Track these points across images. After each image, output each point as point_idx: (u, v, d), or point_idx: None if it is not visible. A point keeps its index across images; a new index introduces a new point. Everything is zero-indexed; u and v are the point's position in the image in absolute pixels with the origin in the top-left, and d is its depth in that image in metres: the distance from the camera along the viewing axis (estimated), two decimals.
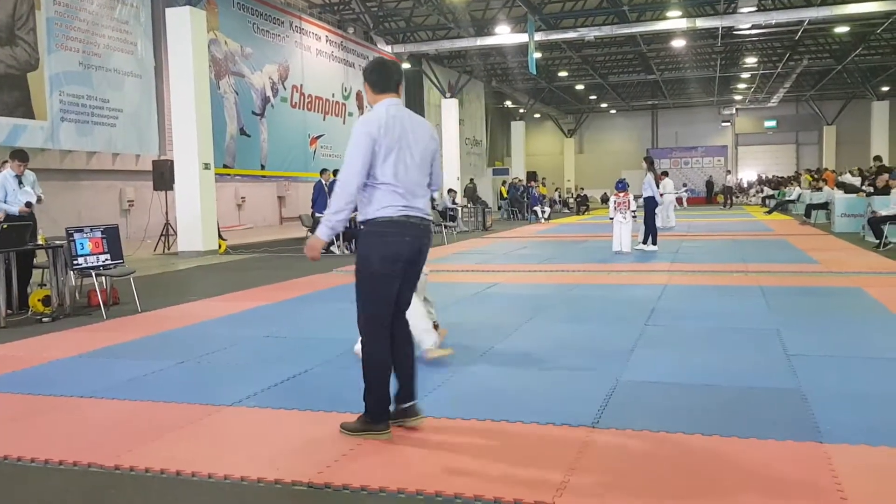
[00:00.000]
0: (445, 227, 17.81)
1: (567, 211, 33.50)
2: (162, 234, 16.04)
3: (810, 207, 20.06)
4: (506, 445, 3.50)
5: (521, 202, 27.97)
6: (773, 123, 44.04)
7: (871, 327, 6.05)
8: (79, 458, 3.43)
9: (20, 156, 8.35)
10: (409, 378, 3.74)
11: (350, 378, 4.74)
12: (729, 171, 38.04)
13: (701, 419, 3.74)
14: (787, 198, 26.25)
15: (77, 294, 8.58)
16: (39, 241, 7.93)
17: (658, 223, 14.36)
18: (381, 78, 3.74)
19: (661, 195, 18.13)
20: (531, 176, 35.73)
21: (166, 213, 16.02)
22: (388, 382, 3.66)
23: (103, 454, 3.46)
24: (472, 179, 29.41)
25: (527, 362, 5.05)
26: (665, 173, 21.26)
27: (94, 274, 7.77)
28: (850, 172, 22.60)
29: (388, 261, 3.56)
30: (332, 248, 14.55)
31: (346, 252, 14.22)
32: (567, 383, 4.51)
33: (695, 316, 6.70)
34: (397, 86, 3.76)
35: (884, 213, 12.71)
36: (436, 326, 5.27)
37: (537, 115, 44.66)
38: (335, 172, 16.41)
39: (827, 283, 8.66)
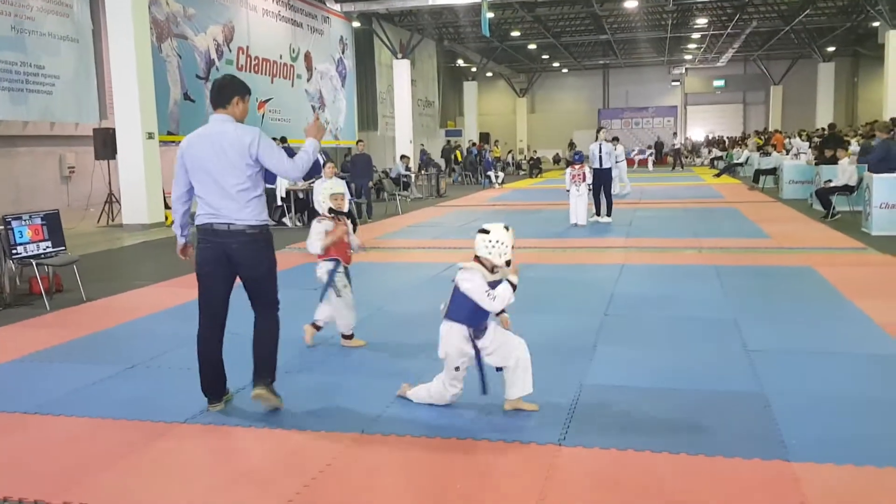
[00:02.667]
0: (399, 195, 17.58)
1: (521, 174, 33.48)
2: (105, 204, 15.50)
3: (759, 172, 20.34)
4: (473, 467, 3.42)
5: (475, 166, 27.79)
6: (721, 83, 44.43)
7: (824, 315, 6.13)
8: (25, 493, 3.24)
9: None
10: (257, 361, 4.30)
11: (309, 384, 4.63)
12: (675, 134, 38.39)
13: (667, 433, 3.71)
14: (735, 160, 26.61)
15: (17, 280, 8.22)
16: None
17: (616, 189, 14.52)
18: (212, 95, 4.19)
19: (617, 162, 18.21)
20: (484, 138, 35.52)
21: (109, 182, 15.47)
22: (206, 366, 4.24)
23: (51, 488, 3.28)
24: (449, 141, 29.13)
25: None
26: (615, 139, 21.20)
27: (34, 263, 7.43)
28: (798, 135, 22.92)
29: (198, 264, 4.19)
30: (284, 220, 14.27)
31: (299, 224, 13.94)
32: (532, 390, 4.43)
33: (653, 303, 6.70)
34: (229, 101, 4.10)
35: (833, 183, 12.91)
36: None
37: (489, 74, 44.25)
38: (283, 140, 16.02)
39: (779, 261, 8.77)
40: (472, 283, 3.90)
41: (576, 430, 3.78)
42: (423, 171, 22.10)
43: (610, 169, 13.15)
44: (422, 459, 3.53)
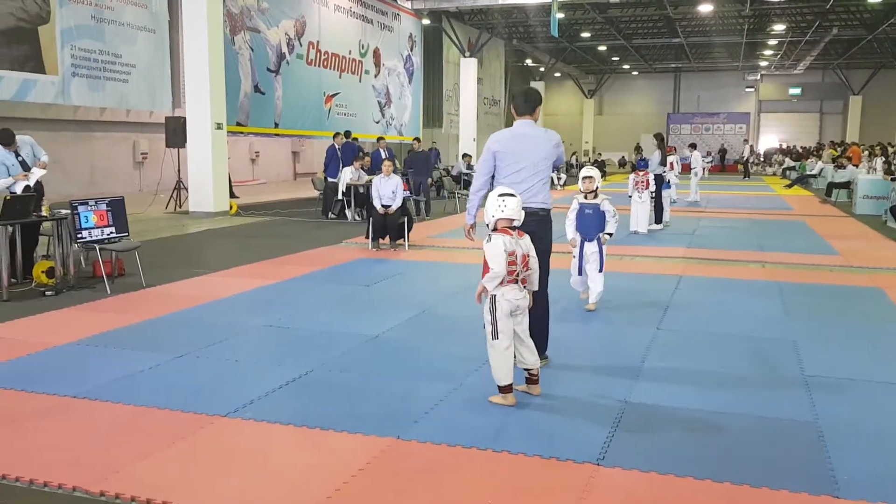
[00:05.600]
0: (459, 194, 17.55)
1: None
2: (174, 190, 15.92)
3: (832, 186, 19.61)
4: (506, 481, 3.36)
5: None
6: (797, 91, 43.00)
7: (891, 342, 5.84)
8: (64, 479, 3.32)
9: (4, 138, 8.12)
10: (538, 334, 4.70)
11: (349, 384, 4.63)
12: (746, 141, 37.31)
13: (711, 459, 3.58)
14: (808, 172, 25.74)
15: (83, 261, 8.50)
16: (44, 213, 7.80)
17: (673, 195, 14.44)
18: (518, 103, 4.97)
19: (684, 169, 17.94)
20: None
21: (178, 170, 15.87)
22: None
23: (90, 476, 3.35)
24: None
25: None
26: (693, 145, 20.72)
27: (98, 248, 7.66)
28: (872, 152, 21.95)
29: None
30: (346, 212, 14.40)
31: (358, 219, 14.05)
32: (574, 405, 4.34)
33: (709, 318, 6.50)
34: (534, 109, 4.96)
35: None
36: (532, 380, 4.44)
37: (557, 75, 43.85)
38: (347, 135, 16.17)
39: (847, 280, 8.42)
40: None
41: (615, 449, 3.68)
42: None
43: (660, 176, 13.01)
44: (455, 469, 3.48)
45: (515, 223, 4.32)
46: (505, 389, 4.27)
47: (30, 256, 8.06)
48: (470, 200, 5.11)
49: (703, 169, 19.65)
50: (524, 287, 4.33)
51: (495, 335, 4.22)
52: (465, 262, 9.56)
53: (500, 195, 4.32)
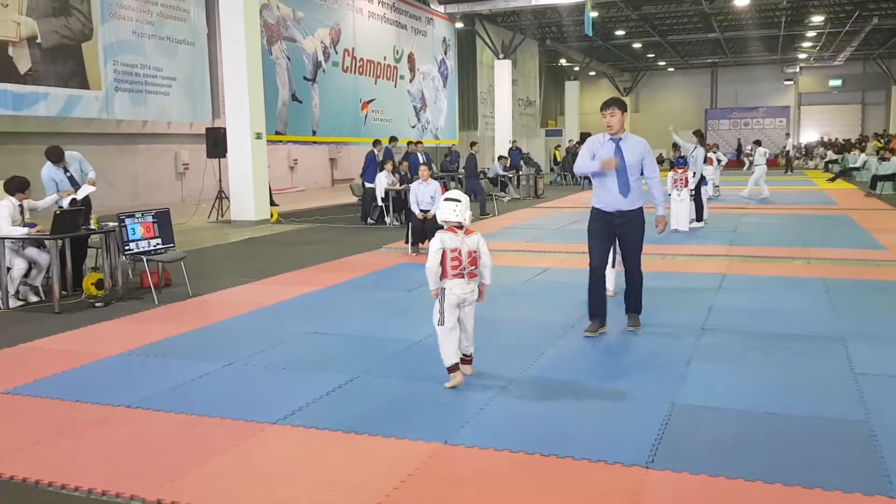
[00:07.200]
0: (496, 197, 17.56)
1: None
2: (216, 200, 16.19)
3: (876, 178, 19.19)
4: (554, 485, 3.37)
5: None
6: (838, 82, 42.16)
7: None
8: (122, 488, 3.40)
9: (54, 155, 8.40)
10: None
11: (395, 389, 4.68)
12: (788, 134, 36.66)
13: (762, 460, 3.54)
14: (851, 165, 25.22)
15: (130, 273, 8.70)
16: (92, 226, 8.00)
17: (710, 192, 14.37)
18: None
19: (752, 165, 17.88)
20: (585, 138, 34.95)
21: (220, 179, 16.14)
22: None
23: (146, 484, 3.43)
24: (514, 141, 28.84)
25: (577, 379, 4.88)
26: (758, 142, 20.42)
27: (145, 259, 7.84)
28: None
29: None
30: (384, 217, 14.50)
31: (396, 224, 14.14)
32: (621, 407, 4.33)
33: (755, 317, 6.42)
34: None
35: None
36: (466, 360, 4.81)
37: (592, 73, 43.60)
38: (393, 139, 16.33)
39: (895, 276, 8.24)
40: None
41: (664, 452, 3.66)
42: (518, 172, 21.85)
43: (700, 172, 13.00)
44: (504, 474, 3.50)
45: (463, 223, 4.59)
46: (451, 369, 4.65)
47: (79, 269, 8.28)
48: (662, 195, 6.09)
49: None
50: (471, 280, 4.62)
51: (441, 322, 4.58)
52: (505, 264, 9.56)
53: (445, 199, 4.63)
